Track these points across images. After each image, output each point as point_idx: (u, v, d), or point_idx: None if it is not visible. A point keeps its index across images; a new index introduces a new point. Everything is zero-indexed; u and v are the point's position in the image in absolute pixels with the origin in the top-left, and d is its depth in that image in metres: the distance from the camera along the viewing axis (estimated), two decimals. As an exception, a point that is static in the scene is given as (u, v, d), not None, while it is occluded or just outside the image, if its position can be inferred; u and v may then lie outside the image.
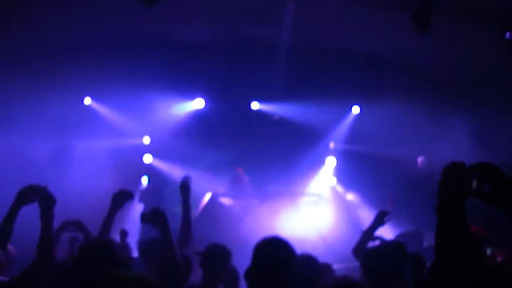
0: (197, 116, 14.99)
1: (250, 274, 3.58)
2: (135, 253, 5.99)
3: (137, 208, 13.12)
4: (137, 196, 14.74)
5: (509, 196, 2.15)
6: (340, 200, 15.19)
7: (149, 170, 15.22)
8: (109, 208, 5.35)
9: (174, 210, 6.10)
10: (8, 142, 11.29)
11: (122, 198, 5.44)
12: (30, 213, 4.56)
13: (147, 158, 15.18)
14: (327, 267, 5.32)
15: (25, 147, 11.71)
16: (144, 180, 15.08)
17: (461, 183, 2.18)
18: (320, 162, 15.84)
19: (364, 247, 5.68)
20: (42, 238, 4.27)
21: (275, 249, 3.59)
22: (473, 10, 9.84)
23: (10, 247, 5.37)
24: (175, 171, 14.97)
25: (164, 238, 4.44)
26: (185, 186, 5.88)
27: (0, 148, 11.23)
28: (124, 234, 7.42)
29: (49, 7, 10.50)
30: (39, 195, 4.45)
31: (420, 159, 14.16)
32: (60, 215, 4.90)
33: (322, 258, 5.79)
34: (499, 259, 6.68)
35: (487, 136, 11.73)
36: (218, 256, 4.95)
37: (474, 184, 2.18)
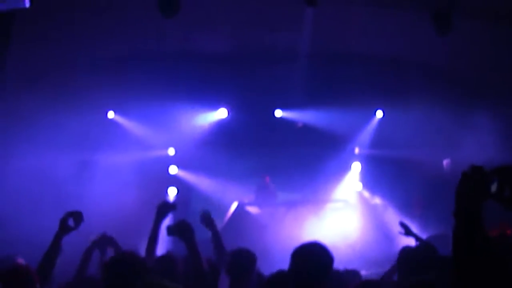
0: (221, 125, 15.03)
1: (287, 279, 3.56)
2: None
3: (165, 221, 13.18)
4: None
5: None
6: (366, 205, 15.10)
7: (175, 181, 15.27)
8: (154, 220, 5.32)
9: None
10: (32, 157, 11.39)
11: (166, 209, 5.42)
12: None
13: (173, 170, 15.24)
14: (355, 274, 5.29)
15: (49, 162, 11.79)
16: (172, 192, 15.12)
17: (479, 187, 2.16)
18: (345, 168, 15.79)
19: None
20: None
21: (314, 254, 3.57)
22: (494, 10, 9.76)
23: None
24: (201, 181, 15.03)
25: (190, 250, 4.42)
26: (206, 220, 5.79)
27: (25, 163, 11.33)
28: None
29: (71, 21, 10.61)
30: (79, 221, 4.49)
31: (445, 162, 14.03)
32: (87, 230, 4.93)
33: (350, 264, 5.77)
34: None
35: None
36: (243, 262, 4.92)
37: (494, 187, 2.16)
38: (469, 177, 2.19)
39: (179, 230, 4.48)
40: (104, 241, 5.55)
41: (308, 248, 3.65)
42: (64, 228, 4.43)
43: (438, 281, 3.67)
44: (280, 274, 4.09)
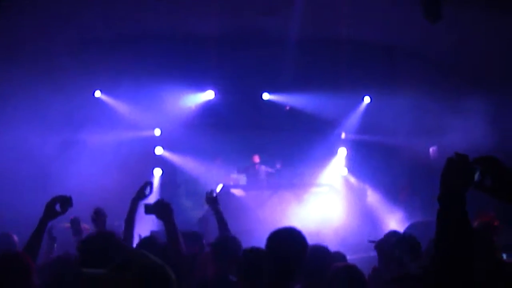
0: (208, 107, 15.02)
1: (263, 264, 3.57)
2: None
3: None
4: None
5: (511, 189, 2.17)
6: (351, 190, 15.17)
7: (161, 162, 15.25)
8: (131, 202, 5.22)
9: (186, 203, 6.07)
10: (13, 134, 11.31)
11: (144, 189, 5.32)
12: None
13: (159, 150, 15.22)
14: (339, 255, 5.31)
15: (32, 140, 11.71)
16: (157, 172, 15.11)
17: (464, 174, 2.21)
18: (331, 152, 15.85)
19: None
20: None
21: (288, 239, 3.58)
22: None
23: None
24: (187, 163, 15.02)
25: (168, 229, 4.39)
26: (210, 199, 5.78)
27: (12, 142, 11.25)
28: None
29: (61, 1, 10.52)
30: (66, 206, 4.42)
31: (432, 149, 14.10)
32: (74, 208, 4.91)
33: (334, 248, 5.78)
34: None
35: (502, 120, 11.65)
36: (229, 248, 4.90)
37: (477, 176, 2.21)
38: (455, 163, 2.22)
39: (157, 209, 4.43)
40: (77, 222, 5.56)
41: (282, 233, 3.66)
42: (50, 213, 4.39)
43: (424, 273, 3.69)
44: (253, 251, 4.08)
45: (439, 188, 2.23)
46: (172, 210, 4.41)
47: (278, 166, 14.95)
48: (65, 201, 4.41)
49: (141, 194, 5.21)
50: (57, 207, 4.38)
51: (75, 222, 5.73)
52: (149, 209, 4.48)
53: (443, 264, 2.13)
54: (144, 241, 4.88)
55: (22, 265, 3.59)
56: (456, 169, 2.21)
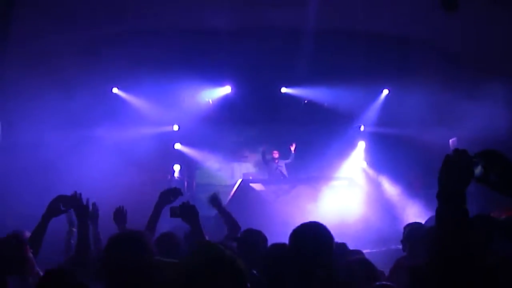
0: (226, 102, 15.04)
1: (286, 259, 3.53)
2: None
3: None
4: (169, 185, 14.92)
5: None
6: (371, 183, 15.11)
7: (180, 157, 15.31)
8: (155, 205, 5.09)
9: (204, 199, 6.05)
10: (37, 134, 11.41)
11: (170, 195, 5.14)
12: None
13: (178, 146, 15.28)
14: (357, 254, 5.28)
15: (54, 138, 11.81)
16: (177, 168, 15.18)
17: (462, 170, 2.19)
18: (350, 146, 15.80)
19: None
20: (79, 248, 4.26)
21: (313, 235, 3.53)
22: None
23: None
24: (205, 157, 15.07)
25: (194, 232, 4.39)
26: (214, 201, 5.74)
27: (30, 139, 11.35)
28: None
29: (75, 1, 10.57)
30: (72, 205, 4.44)
31: (451, 141, 13.98)
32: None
33: (354, 242, 5.77)
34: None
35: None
36: (253, 242, 4.88)
37: (480, 170, 2.19)
38: (452, 160, 2.20)
39: (183, 212, 4.41)
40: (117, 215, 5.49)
41: (307, 228, 3.62)
42: (52, 211, 4.43)
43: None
44: (278, 247, 4.05)
45: (438, 185, 2.22)
46: (197, 213, 4.39)
47: (292, 148, 14.86)
48: (68, 201, 4.44)
49: (167, 199, 5.01)
50: (61, 206, 4.42)
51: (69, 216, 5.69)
52: (174, 213, 4.46)
53: (441, 262, 2.12)
54: (162, 237, 4.87)
55: (18, 241, 3.92)
56: (453, 166, 2.20)
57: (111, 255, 3.28)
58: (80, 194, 4.48)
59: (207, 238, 4.41)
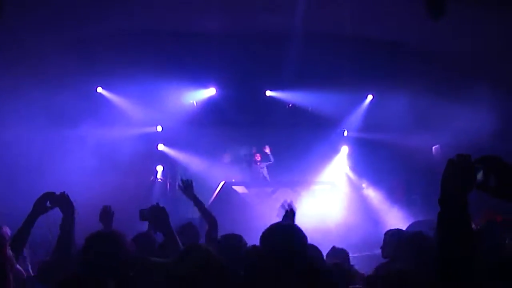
0: (210, 104, 15.02)
1: (257, 263, 3.50)
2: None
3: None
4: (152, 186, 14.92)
5: None
6: (353, 188, 15.17)
7: (163, 158, 15.28)
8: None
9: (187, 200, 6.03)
10: (21, 132, 11.33)
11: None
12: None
13: (161, 147, 15.24)
14: (343, 252, 5.29)
15: (37, 138, 11.74)
16: (160, 169, 15.15)
17: (465, 176, 2.17)
18: (334, 150, 15.85)
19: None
20: (61, 244, 4.20)
21: (283, 236, 3.49)
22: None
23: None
24: (188, 159, 15.04)
25: (165, 234, 4.31)
26: (185, 188, 5.71)
27: (13, 136, 11.27)
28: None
29: (63, 1, 10.52)
30: (58, 203, 4.39)
31: (435, 147, 14.08)
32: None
33: (336, 245, 5.78)
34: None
35: (507, 112, 11.65)
36: (233, 246, 4.85)
37: (480, 176, 2.17)
38: (455, 165, 2.19)
39: (152, 215, 4.35)
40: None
41: (277, 230, 3.58)
42: (39, 209, 4.38)
43: (418, 268, 3.67)
44: (256, 248, 4.03)
45: (440, 191, 2.20)
46: (167, 215, 4.33)
47: (266, 150, 14.96)
48: (55, 198, 4.40)
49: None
50: (47, 203, 4.37)
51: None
52: (144, 215, 4.41)
53: (445, 267, 2.13)
54: (140, 237, 4.84)
55: None
56: (457, 171, 2.18)
57: (88, 254, 3.29)
58: (65, 193, 4.45)
59: (180, 243, 4.38)
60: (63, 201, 4.40)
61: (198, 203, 5.60)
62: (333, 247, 5.38)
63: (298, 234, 3.52)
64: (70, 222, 4.32)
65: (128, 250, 3.36)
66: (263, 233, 3.53)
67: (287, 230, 3.56)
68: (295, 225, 3.63)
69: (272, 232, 3.52)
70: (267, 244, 3.49)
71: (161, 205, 4.30)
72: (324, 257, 4.89)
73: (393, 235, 5.23)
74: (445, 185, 2.19)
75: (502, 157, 2.16)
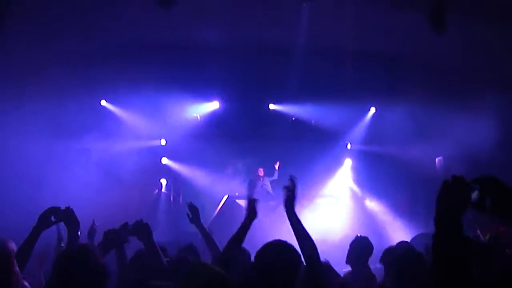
0: (213, 117, 15.05)
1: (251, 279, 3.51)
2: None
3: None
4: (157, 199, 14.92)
5: (510, 209, 2.16)
6: (357, 201, 15.14)
7: (167, 172, 15.29)
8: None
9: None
10: (24, 143, 11.35)
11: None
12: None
13: (165, 160, 15.26)
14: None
15: (41, 148, 11.75)
16: (163, 183, 15.17)
17: (460, 198, 2.20)
18: (337, 163, 15.82)
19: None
20: None
21: (277, 254, 3.51)
22: (487, 8, 9.83)
23: None
24: (192, 173, 15.04)
25: (148, 249, 4.41)
26: (193, 217, 5.70)
27: (16, 148, 11.29)
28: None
29: (67, 14, 10.57)
30: (63, 218, 4.42)
31: (438, 159, 14.06)
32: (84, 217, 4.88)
33: (339, 260, 5.79)
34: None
35: (507, 123, 11.67)
36: (236, 260, 4.84)
37: (476, 196, 2.19)
38: (450, 186, 2.22)
39: (136, 230, 4.43)
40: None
41: (271, 248, 3.60)
42: (43, 223, 4.40)
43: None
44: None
45: (436, 211, 2.23)
46: (150, 231, 4.42)
47: (276, 166, 14.99)
48: (60, 212, 4.42)
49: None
50: (52, 217, 4.40)
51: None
52: (127, 231, 4.48)
53: (440, 284, 2.15)
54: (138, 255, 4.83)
55: (4, 254, 3.80)
56: (452, 192, 2.21)
57: (59, 271, 3.31)
58: (70, 208, 4.48)
59: (163, 257, 4.43)
60: (68, 216, 4.43)
61: (204, 233, 5.53)
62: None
63: (289, 253, 3.54)
64: (75, 239, 4.36)
65: (99, 266, 3.37)
66: (257, 251, 3.57)
67: (279, 248, 3.58)
68: (289, 244, 3.63)
69: (264, 251, 3.56)
70: (258, 262, 3.53)
71: (164, 216, 4.38)
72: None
73: (388, 252, 5.30)
74: (440, 206, 2.23)
75: (498, 177, 2.19)
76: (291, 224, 4.12)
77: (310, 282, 3.80)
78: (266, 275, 3.41)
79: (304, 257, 3.77)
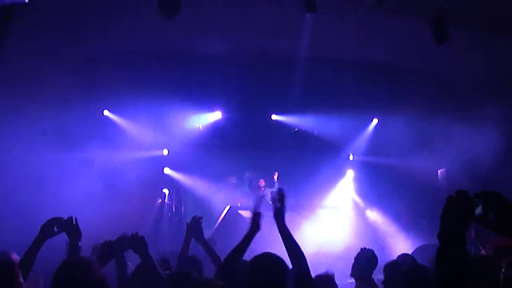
0: (216, 127, 15.05)
1: None
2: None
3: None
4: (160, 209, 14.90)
5: None
6: (359, 213, 15.11)
7: (169, 182, 15.29)
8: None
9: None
10: (25, 152, 11.35)
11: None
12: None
13: (167, 170, 15.26)
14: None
15: (43, 157, 11.75)
16: (166, 192, 15.17)
17: (464, 212, 2.21)
18: (339, 174, 15.81)
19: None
20: None
21: (266, 267, 3.55)
22: (487, 20, 9.87)
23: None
24: (194, 183, 15.03)
25: (144, 262, 4.45)
26: (194, 229, 5.71)
27: (18, 157, 11.29)
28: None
29: (70, 22, 10.61)
30: (65, 228, 4.42)
31: (440, 171, 14.05)
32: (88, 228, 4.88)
33: (340, 272, 5.78)
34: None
35: (508, 132, 11.69)
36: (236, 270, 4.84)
37: (479, 210, 2.21)
38: (455, 201, 2.22)
39: (132, 243, 4.45)
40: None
41: (260, 261, 3.64)
42: (45, 233, 4.40)
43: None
44: None
45: (440, 225, 2.25)
46: (146, 244, 4.44)
47: (274, 177, 14.99)
48: (61, 223, 4.43)
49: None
50: (54, 228, 4.40)
51: None
52: (123, 244, 4.49)
53: None
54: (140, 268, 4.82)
55: (9, 265, 3.82)
56: (457, 207, 2.22)
57: (58, 283, 3.29)
58: (72, 218, 4.49)
59: (160, 270, 4.44)
60: (70, 227, 4.43)
61: (206, 247, 5.52)
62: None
63: (277, 266, 3.57)
64: (76, 248, 4.35)
65: (98, 278, 3.36)
66: (248, 264, 3.61)
67: (268, 261, 3.61)
68: (278, 257, 3.66)
69: (255, 263, 3.59)
70: (248, 276, 3.56)
71: (167, 226, 4.40)
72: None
73: (389, 268, 5.27)
74: (444, 220, 2.24)
75: (500, 192, 2.19)
76: (281, 236, 4.13)
77: None
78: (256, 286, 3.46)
79: (294, 269, 3.81)
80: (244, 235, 4.41)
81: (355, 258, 5.78)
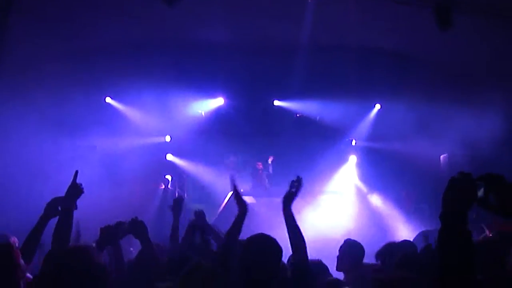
0: (218, 114, 15.06)
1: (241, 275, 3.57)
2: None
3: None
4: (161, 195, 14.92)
5: None
6: (362, 198, 15.13)
7: (172, 168, 15.30)
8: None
9: (193, 207, 6.08)
10: (28, 139, 11.37)
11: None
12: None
13: (170, 157, 15.28)
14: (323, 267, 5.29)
15: (46, 144, 11.76)
16: (169, 178, 15.19)
17: (467, 194, 2.23)
18: (342, 160, 15.81)
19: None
20: (59, 236, 4.19)
21: (260, 249, 3.61)
22: (494, 6, 9.81)
23: None
24: (197, 169, 15.06)
25: (144, 246, 4.49)
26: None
27: (20, 144, 11.32)
28: None
29: (71, 10, 10.59)
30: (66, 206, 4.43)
31: (442, 157, 14.04)
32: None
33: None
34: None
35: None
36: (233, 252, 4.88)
37: (481, 193, 2.22)
38: (458, 182, 2.24)
39: (132, 228, 4.47)
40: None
41: (254, 242, 3.68)
42: (50, 212, 4.41)
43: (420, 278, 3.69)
44: None
45: (442, 206, 2.26)
46: (146, 228, 4.47)
47: (269, 161, 15.09)
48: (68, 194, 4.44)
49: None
50: (58, 207, 4.41)
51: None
52: (123, 228, 4.51)
53: (446, 281, 2.16)
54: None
55: (8, 249, 3.83)
56: (459, 188, 2.24)
57: (58, 269, 3.32)
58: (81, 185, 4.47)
59: (158, 255, 4.48)
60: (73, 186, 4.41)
61: (216, 237, 5.55)
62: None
63: (271, 247, 3.61)
64: (68, 217, 4.32)
65: (97, 264, 3.37)
66: (243, 242, 3.66)
67: (260, 242, 3.66)
68: (271, 238, 3.73)
69: (248, 244, 3.64)
70: (242, 257, 3.60)
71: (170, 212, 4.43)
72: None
73: (389, 248, 5.28)
74: (446, 201, 2.25)
75: (503, 175, 2.20)
76: (285, 219, 4.15)
77: (296, 275, 3.88)
78: (249, 270, 3.50)
79: (292, 251, 3.98)
80: (235, 217, 4.56)
81: (339, 250, 5.69)
